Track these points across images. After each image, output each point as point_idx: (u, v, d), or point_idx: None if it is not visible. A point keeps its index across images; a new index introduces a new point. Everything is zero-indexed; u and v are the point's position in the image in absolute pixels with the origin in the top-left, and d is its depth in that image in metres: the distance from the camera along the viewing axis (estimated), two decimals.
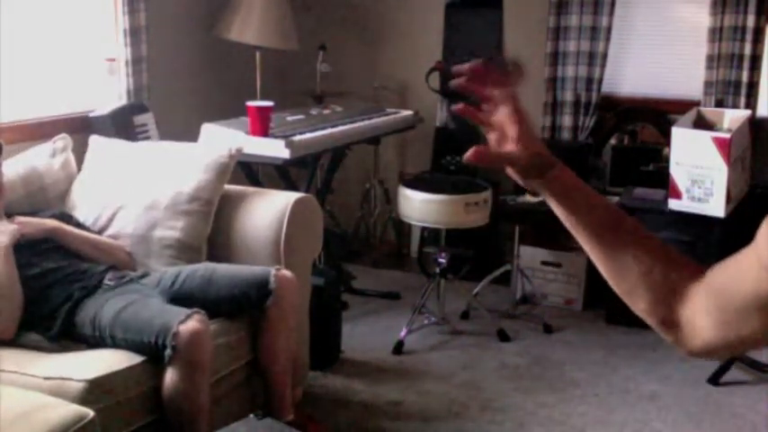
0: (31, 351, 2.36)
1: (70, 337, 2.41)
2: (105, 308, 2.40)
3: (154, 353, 2.27)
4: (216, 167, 2.92)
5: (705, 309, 0.88)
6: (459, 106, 1.00)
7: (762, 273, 0.79)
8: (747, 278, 0.81)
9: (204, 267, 2.68)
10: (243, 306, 2.59)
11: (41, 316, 2.44)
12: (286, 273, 2.63)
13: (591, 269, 4.13)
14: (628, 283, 0.95)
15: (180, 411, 2.29)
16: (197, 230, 2.86)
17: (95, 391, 2.14)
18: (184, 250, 2.83)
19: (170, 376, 2.26)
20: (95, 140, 3.13)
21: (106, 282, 2.55)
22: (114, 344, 2.35)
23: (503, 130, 0.98)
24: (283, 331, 2.62)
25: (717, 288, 0.87)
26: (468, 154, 0.94)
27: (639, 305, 0.95)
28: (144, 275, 2.66)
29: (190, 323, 2.27)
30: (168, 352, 2.24)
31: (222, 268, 2.67)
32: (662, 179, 3.83)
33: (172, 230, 2.83)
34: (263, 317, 2.59)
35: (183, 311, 2.32)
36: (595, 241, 0.97)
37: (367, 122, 3.95)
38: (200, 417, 2.30)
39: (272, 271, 2.59)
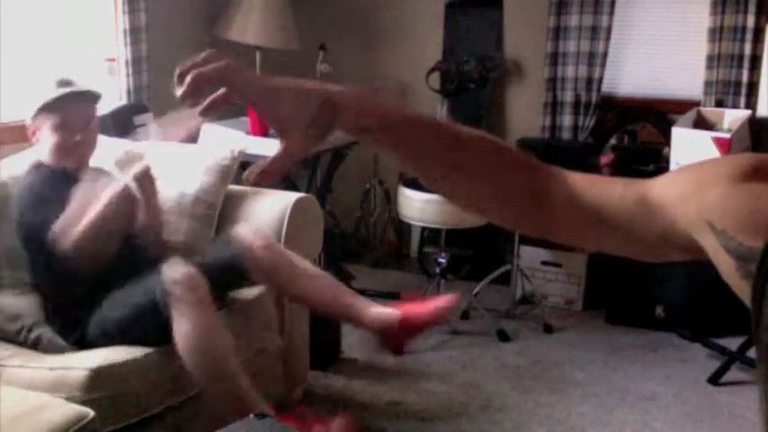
0: (37, 353, 2.38)
1: (85, 341, 2.41)
2: (104, 307, 2.40)
3: (154, 311, 2.24)
4: (219, 170, 2.92)
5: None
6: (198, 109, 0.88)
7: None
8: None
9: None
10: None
11: (68, 318, 2.43)
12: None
13: (591, 269, 4.13)
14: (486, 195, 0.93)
15: (202, 360, 2.23)
16: (201, 233, 2.85)
17: (99, 380, 2.16)
18: (188, 253, 2.81)
19: (178, 325, 2.22)
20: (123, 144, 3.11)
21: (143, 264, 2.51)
22: (115, 325, 2.34)
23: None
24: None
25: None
26: (250, 181, 0.86)
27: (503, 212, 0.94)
28: (175, 249, 2.64)
29: (180, 268, 2.28)
30: (167, 298, 2.21)
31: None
32: None
33: (176, 234, 2.82)
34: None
35: (165, 266, 2.30)
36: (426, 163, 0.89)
37: None
38: (226, 362, 2.25)
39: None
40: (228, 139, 3.28)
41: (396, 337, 2.43)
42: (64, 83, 2.52)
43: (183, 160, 2.96)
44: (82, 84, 2.57)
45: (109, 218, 2.37)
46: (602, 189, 0.91)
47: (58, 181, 2.46)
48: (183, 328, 2.23)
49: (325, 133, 0.85)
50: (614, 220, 0.87)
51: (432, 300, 2.54)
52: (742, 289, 0.76)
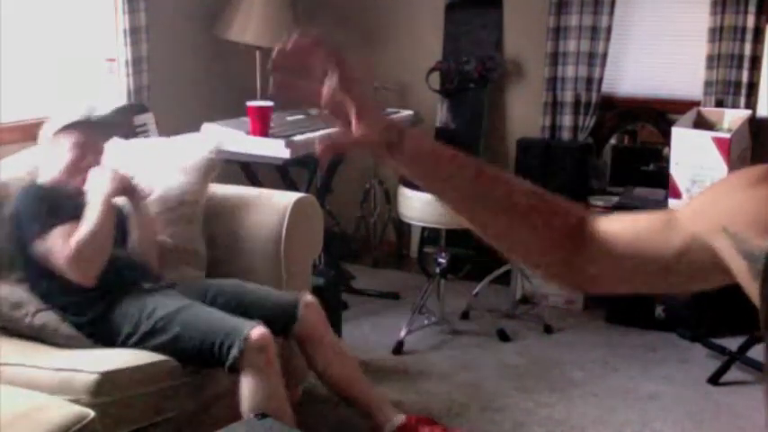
0: (39, 347, 2.37)
1: (98, 331, 2.41)
2: (159, 304, 2.40)
3: (211, 354, 2.28)
4: (199, 167, 2.89)
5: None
6: (275, 79, 0.90)
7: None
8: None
9: (233, 285, 2.67)
10: (202, 352, 2.40)
11: (74, 300, 2.44)
12: (310, 298, 2.65)
13: None
14: (513, 241, 0.96)
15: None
16: (189, 235, 2.84)
17: (107, 384, 2.15)
18: (183, 255, 2.81)
19: (245, 383, 2.27)
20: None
21: (144, 285, 2.53)
22: (160, 339, 2.34)
23: (343, 113, 0.91)
24: (328, 353, 2.63)
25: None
26: (318, 150, 0.90)
27: (532, 257, 0.98)
28: (172, 285, 2.63)
29: (259, 328, 2.31)
30: (235, 353, 2.25)
31: (251, 288, 2.66)
32: (662, 179, 3.83)
33: (163, 237, 2.82)
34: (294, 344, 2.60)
35: (249, 321, 2.35)
36: (472, 206, 0.95)
37: None
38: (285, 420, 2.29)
39: (301, 297, 2.62)
40: (228, 139, 3.28)
41: None
42: (92, 109, 2.69)
43: (162, 161, 2.93)
44: (104, 114, 2.77)
45: (106, 224, 2.42)
46: (632, 221, 0.95)
47: (59, 199, 2.52)
48: (250, 389, 2.28)
49: (391, 142, 0.91)
50: (644, 248, 0.91)
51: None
52: (754, 291, 0.78)
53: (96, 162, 2.61)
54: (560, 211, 0.96)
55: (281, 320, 2.55)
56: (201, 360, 2.33)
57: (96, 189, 2.47)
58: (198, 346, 2.31)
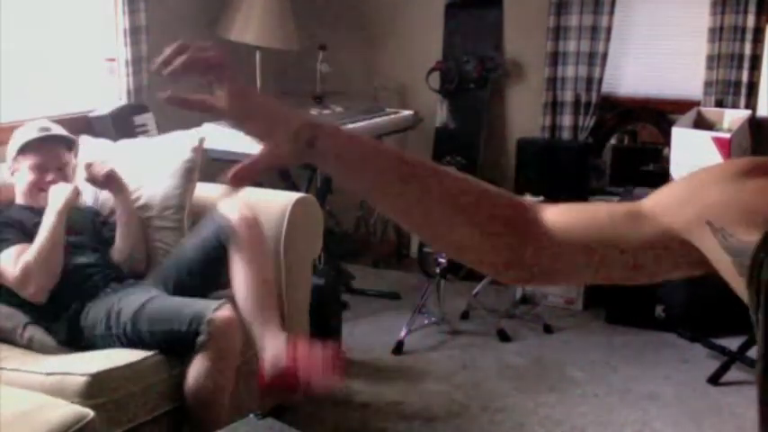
0: (34, 353, 2.38)
1: (77, 341, 2.42)
2: (123, 304, 2.41)
3: (182, 342, 2.29)
4: (182, 169, 2.88)
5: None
6: (165, 94, 0.86)
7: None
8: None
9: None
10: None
11: (45, 312, 2.45)
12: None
13: None
14: (451, 237, 0.88)
15: (204, 399, 2.31)
16: (174, 238, 2.83)
17: (97, 385, 2.15)
18: (172, 257, 2.80)
19: (199, 363, 2.28)
20: (85, 141, 3.10)
21: (109, 288, 2.56)
22: (133, 338, 2.35)
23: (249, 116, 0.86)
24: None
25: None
26: (230, 182, 0.84)
27: (469, 255, 0.90)
28: (141, 276, 2.68)
29: (223, 311, 2.32)
30: (202, 338, 2.27)
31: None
32: (662, 179, 3.83)
33: (154, 242, 2.83)
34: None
35: (214, 301, 2.37)
36: (408, 203, 0.87)
37: (367, 122, 3.96)
38: (223, 406, 2.31)
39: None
40: (228, 138, 3.27)
41: (278, 380, 2.30)
42: (44, 129, 2.70)
43: (145, 161, 2.92)
44: (60, 130, 2.75)
45: (57, 241, 2.46)
46: (586, 210, 0.90)
47: (17, 218, 2.56)
48: (201, 370, 2.29)
49: (303, 150, 0.84)
50: (606, 238, 0.86)
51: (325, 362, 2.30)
52: (740, 286, 0.76)
53: (60, 177, 2.64)
54: (504, 201, 0.90)
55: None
56: (178, 350, 2.33)
57: (52, 205, 2.51)
58: (168, 338, 2.32)
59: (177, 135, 3.03)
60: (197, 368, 2.29)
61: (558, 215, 0.89)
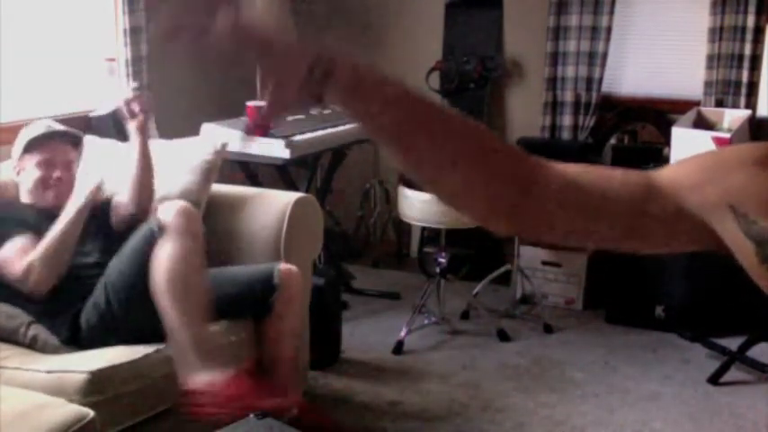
0: (35, 352, 2.38)
1: (79, 340, 2.41)
2: (108, 274, 2.43)
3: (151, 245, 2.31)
4: (202, 168, 2.90)
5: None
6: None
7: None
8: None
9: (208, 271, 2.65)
10: (248, 302, 2.57)
11: (48, 311, 2.45)
12: (290, 267, 2.62)
13: (591, 269, 4.13)
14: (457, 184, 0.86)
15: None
16: None
17: (98, 383, 2.15)
18: None
19: (163, 248, 2.30)
20: (90, 141, 3.10)
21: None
22: (123, 303, 2.37)
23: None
24: (288, 326, 2.59)
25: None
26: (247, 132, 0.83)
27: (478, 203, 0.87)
28: None
29: (176, 204, 2.38)
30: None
31: (227, 269, 2.67)
32: None
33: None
34: (268, 314, 2.56)
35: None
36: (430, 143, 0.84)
37: None
38: (197, 296, 2.32)
39: (277, 266, 2.59)
40: (228, 139, 3.27)
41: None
42: (49, 128, 2.70)
43: (166, 159, 2.92)
44: (66, 129, 2.75)
45: (70, 237, 2.47)
46: (601, 174, 0.87)
47: (23, 212, 2.57)
48: (165, 251, 2.30)
49: (317, 91, 0.81)
50: (616, 205, 0.83)
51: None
52: (761, 274, 0.75)
53: (65, 176, 2.64)
54: (514, 151, 0.88)
55: (258, 290, 2.55)
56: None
57: (74, 199, 2.51)
58: (137, 260, 2.36)
59: (201, 139, 3.12)
60: (161, 254, 2.29)
61: (570, 168, 0.88)
